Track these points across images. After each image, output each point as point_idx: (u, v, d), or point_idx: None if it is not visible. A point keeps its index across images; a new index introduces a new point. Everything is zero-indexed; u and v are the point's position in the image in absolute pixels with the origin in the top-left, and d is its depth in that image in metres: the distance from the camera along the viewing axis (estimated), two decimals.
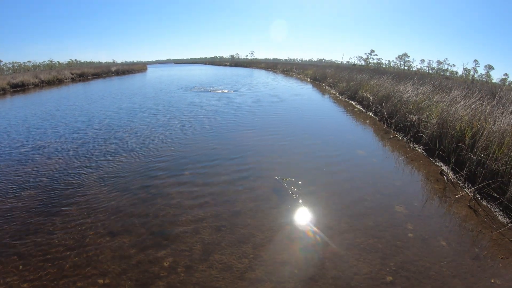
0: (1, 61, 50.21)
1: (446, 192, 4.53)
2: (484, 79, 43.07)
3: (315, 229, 3.48)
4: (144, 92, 17.57)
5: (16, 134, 8.09)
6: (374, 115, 10.33)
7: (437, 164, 5.70)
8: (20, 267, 2.93)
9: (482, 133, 5.08)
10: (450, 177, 5.03)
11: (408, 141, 7.20)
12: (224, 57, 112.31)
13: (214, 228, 3.50)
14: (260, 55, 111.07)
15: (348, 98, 14.33)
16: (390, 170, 5.44)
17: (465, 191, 4.52)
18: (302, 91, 18.08)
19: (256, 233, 3.39)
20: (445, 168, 5.43)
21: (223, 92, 16.29)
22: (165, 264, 2.94)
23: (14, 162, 5.80)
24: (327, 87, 19.75)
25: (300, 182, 4.64)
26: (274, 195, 4.25)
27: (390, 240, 3.29)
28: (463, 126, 5.73)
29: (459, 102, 7.07)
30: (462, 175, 4.91)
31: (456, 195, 4.42)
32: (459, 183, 4.83)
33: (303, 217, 3.76)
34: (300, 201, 4.11)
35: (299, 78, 28.55)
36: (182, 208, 3.93)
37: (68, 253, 3.11)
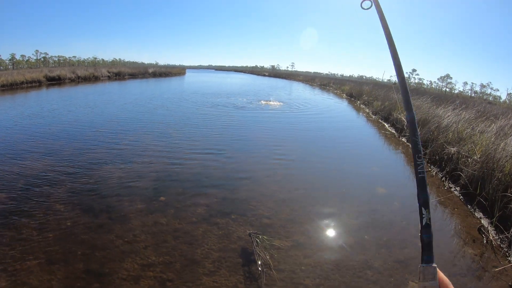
0: (47, 54, 53.86)
1: (482, 261, 3.44)
2: None
3: None
4: (165, 97, 17.64)
5: (23, 130, 8.24)
6: (407, 141, 9.13)
7: (476, 215, 4.56)
8: None
9: None
10: (491, 237, 3.90)
11: (443, 178, 6.04)
12: (265, 67, 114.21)
13: (159, 280, 2.77)
14: (301, 67, 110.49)
15: (381, 119, 13.09)
16: (413, 220, 4.34)
17: (510, 260, 3.44)
18: (335, 109, 17.14)
19: None
20: (485, 223, 4.29)
21: (251, 105, 15.14)
22: None
23: (3, 160, 5.78)
24: (361, 105, 18.48)
25: (279, 244, 3.63)
26: (242, 255, 3.29)
27: None
28: None
29: (510, 135, 5.83)
30: (507, 237, 3.80)
31: (496, 267, 3.34)
32: (503, 248, 3.71)
33: None
34: (271, 273, 3.13)
35: (336, 94, 27.40)
36: (135, 245, 3.28)
37: None
